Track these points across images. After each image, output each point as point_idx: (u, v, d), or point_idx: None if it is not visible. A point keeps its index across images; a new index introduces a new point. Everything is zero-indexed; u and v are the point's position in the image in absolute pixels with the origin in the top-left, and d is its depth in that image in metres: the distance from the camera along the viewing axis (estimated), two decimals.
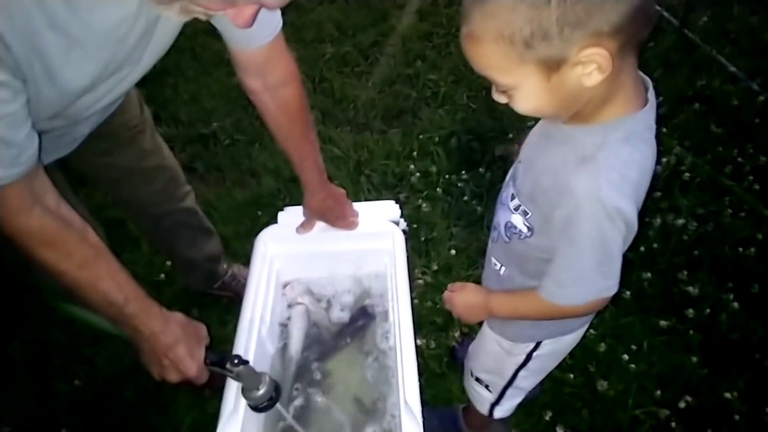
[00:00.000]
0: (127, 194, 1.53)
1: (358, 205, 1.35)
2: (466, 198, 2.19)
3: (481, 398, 1.30)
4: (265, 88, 1.16)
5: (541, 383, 1.26)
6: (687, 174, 2.17)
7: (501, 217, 0.99)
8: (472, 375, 1.29)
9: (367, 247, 1.32)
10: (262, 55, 1.11)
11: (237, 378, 0.96)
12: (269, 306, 1.22)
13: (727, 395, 1.60)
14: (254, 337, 1.12)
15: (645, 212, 0.83)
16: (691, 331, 1.75)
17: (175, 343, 0.96)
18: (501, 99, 0.78)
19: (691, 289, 1.84)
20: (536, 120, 0.94)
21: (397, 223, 1.32)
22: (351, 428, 1.14)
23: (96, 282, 0.91)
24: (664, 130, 2.36)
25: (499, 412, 1.30)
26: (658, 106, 0.81)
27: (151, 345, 0.97)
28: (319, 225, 1.32)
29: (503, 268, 1.04)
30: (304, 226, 1.32)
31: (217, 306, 1.87)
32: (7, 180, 0.81)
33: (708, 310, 1.79)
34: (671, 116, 2.43)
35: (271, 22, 1.08)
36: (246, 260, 1.36)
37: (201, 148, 2.55)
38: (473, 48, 0.72)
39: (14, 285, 1.81)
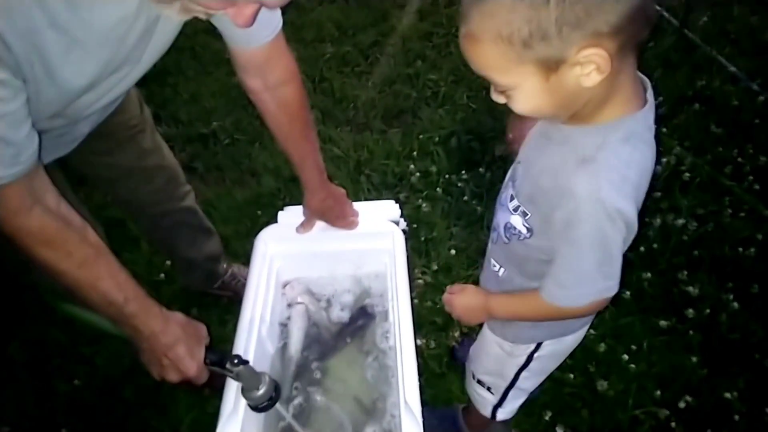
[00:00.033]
0: (126, 194, 1.53)
1: (358, 205, 1.35)
2: (466, 198, 2.19)
3: (484, 401, 1.30)
4: (265, 88, 1.16)
5: (541, 383, 1.26)
6: (687, 174, 2.17)
7: (500, 218, 0.99)
8: (473, 377, 1.29)
9: (367, 247, 1.32)
10: (263, 55, 1.11)
11: (237, 378, 0.96)
12: (269, 305, 1.22)
13: (727, 395, 1.60)
14: (254, 337, 1.12)
15: (645, 212, 0.83)
16: (691, 331, 1.75)
17: (175, 343, 0.96)
18: (500, 99, 0.78)
19: (691, 289, 1.84)
20: None
21: (397, 223, 1.32)
22: (351, 428, 1.14)
23: (96, 281, 0.91)
24: (664, 130, 2.36)
25: (502, 414, 1.30)
26: (658, 106, 0.81)
27: (150, 345, 0.97)
28: (319, 225, 1.32)
29: (502, 270, 1.04)
30: (304, 226, 1.32)
31: (217, 305, 1.87)
32: (7, 179, 0.82)
33: (708, 310, 1.79)
34: (671, 116, 2.43)
35: (272, 21, 1.08)
36: (246, 260, 1.37)
37: (201, 147, 2.55)
38: (472, 48, 0.72)
39: (14, 285, 1.81)
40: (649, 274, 1.88)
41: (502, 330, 1.13)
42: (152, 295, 0.99)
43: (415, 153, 2.40)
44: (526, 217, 0.91)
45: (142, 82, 1.12)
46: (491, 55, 0.70)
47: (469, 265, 1.96)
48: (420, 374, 1.00)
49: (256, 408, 0.97)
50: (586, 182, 0.76)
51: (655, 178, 0.83)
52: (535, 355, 1.12)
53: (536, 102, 0.74)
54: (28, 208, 0.85)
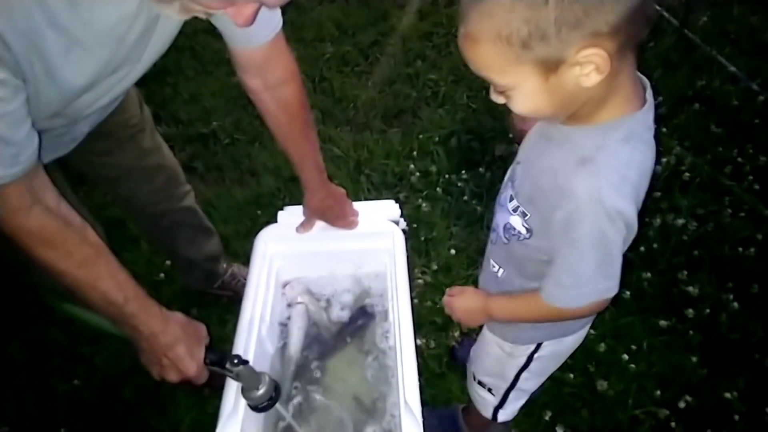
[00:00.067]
0: (126, 193, 1.53)
1: (358, 205, 1.35)
2: (466, 198, 2.19)
3: (485, 402, 1.30)
4: (265, 88, 1.16)
5: (542, 384, 1.26)
6: (687, 174, 2.17)
7: (500, 219, 0.99)
8: (474, 379, 1.29)
9: (366, 247, 1.32)
10: (262, 54, 1.11)
11: (237, 378, 0.96)
12: (269, 305, 1.22)
13: (727, 395, 1.60)
14: (254, 337, 1.12)
15: (645, 212, 0.83)
16: (690, 331, 1.75)
17: (175, 343, 0.96)
18: (499, 99, 0.78)
19: (691, 289, 1.84)
20: None
21: (397, 223, 1.32)
22: (351, 428, 1.14)
23: (96, 281, 0.91)
24: (664, 130, 2.36)
25: (503, 416, 1.30)
26: (657, 106, 0.81)
27: (150, 344, 0.97)
28: (319, 224, 1.32)
29: (501, 270, 1.04)
30: (304, 226, 1.32)
31: (217, 305, 1.87)
32: (7, 179, 0.81)
33: (708, 310, 1.79)
34: (671, 116, 2.43)
35: (271, 21, 1.08)
36: (246, 259, 1.37)
37: (201, 147, 2.55)
38: (471, 48, 0.72)
39: (14, 285, 1.81)
40: (649, 274, 1.88)
41: (502, 331, 1.13)
42: (152, 295, 0.99)
43: (415, 153, 2.40)
44: (526, 218, 0.91)
45: (142, 82, 1.12)
46: (490, 55, 0.70)
47: (469, 265, 1.96)
48: (420, 374, 1.00)
49: (255, 408, 0.97)
50: (585, 182, 0.76)
51: (655, 178, 0.83)
52: (536, 355, 1.12)
53: (535, 102, 0.74)
54: (27, 208, 0.85)
